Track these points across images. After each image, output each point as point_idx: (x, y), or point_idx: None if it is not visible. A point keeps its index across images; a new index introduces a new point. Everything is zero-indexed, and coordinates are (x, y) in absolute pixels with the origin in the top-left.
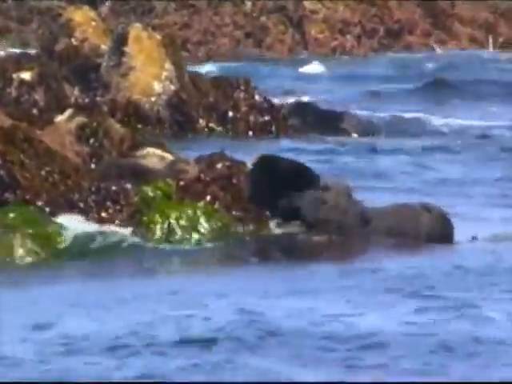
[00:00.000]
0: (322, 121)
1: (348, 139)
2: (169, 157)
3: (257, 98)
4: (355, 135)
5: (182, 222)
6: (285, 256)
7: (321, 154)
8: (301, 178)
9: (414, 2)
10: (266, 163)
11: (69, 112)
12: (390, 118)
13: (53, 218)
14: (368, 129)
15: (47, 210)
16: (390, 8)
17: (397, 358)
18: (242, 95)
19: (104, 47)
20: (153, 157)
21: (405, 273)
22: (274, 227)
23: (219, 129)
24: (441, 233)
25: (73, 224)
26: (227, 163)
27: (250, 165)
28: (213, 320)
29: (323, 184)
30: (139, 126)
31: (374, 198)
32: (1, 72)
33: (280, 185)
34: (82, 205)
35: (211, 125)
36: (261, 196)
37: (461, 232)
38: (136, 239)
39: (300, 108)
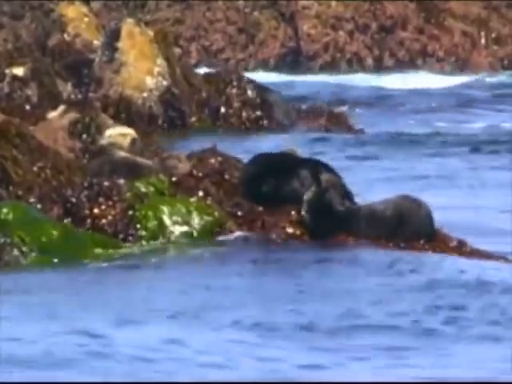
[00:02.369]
0: None
1: None
2: (131, 133)
3: (249, 93)
4: None
5: (175, 218)
6: None
7: None
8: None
9: None
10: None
11: (61, 108)
12: None
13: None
14: None
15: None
16: (383, 3)
17: None
18: (234, 91)
19: (96, 43)
20: (117, 137)
21: None
22: None
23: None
24: None
25: None
26: (219, 159)
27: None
28: None
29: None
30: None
31: None
32: None
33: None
34: (74, 200)
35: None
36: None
37: None
38: None
39: None
